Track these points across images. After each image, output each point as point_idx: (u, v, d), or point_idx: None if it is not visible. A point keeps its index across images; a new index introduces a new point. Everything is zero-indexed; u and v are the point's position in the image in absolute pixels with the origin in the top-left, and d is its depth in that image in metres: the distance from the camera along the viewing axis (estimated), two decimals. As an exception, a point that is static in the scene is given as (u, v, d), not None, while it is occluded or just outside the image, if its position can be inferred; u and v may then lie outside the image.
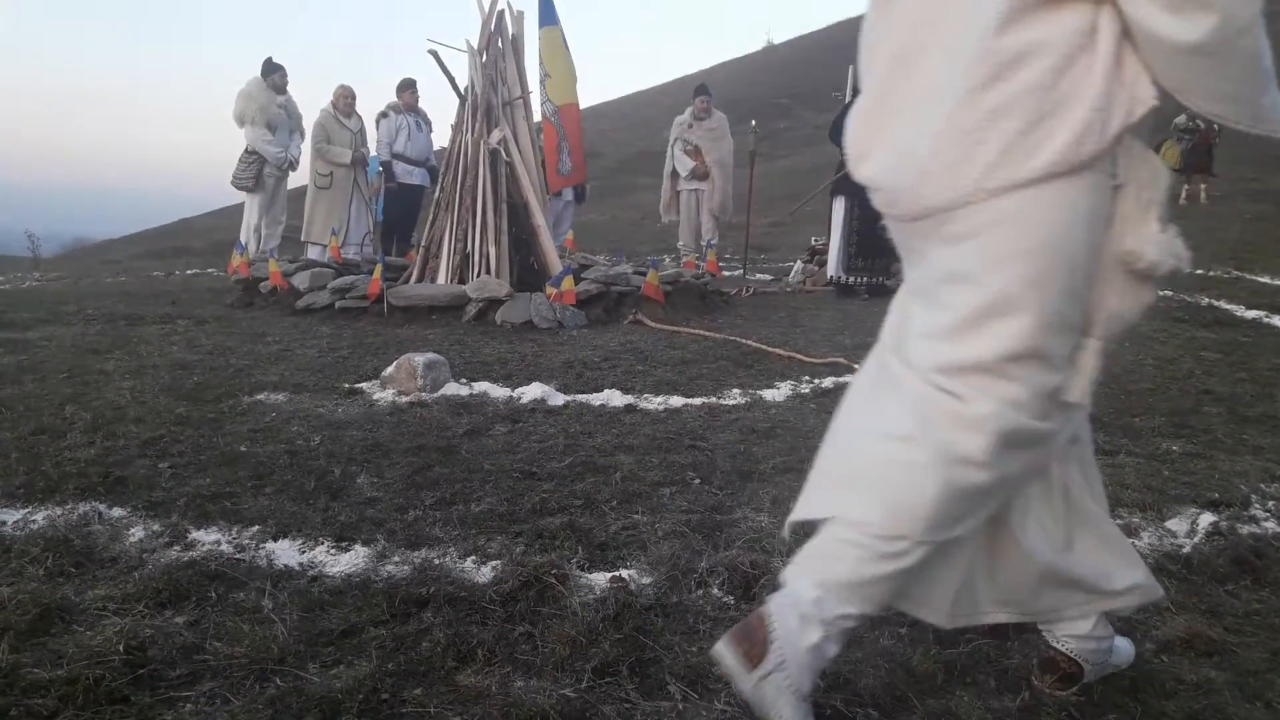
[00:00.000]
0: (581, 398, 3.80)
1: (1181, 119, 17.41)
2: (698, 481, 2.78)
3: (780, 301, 7.10)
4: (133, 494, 2.61)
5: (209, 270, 10.31)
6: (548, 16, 8.33)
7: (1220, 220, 13.09)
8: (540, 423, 3.44)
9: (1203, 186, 16.82)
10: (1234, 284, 7.68)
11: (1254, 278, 8.03)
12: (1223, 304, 6.55)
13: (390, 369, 3.93)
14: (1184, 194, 16.93)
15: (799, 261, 8.79)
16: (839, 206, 7.15)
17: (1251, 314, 6.12)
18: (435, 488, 2.71)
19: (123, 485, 2.68)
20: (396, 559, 2.21)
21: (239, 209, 10.41)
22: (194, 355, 4.54)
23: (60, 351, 4.58)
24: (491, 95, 6.59)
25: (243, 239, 8.67)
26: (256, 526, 2.40)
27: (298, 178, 9.30)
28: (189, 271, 10.30)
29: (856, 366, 4.37)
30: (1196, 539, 2.36)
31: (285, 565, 2.18)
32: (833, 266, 7.20)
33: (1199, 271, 8.48)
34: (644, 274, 6.18)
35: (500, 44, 6.72)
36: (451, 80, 6.72)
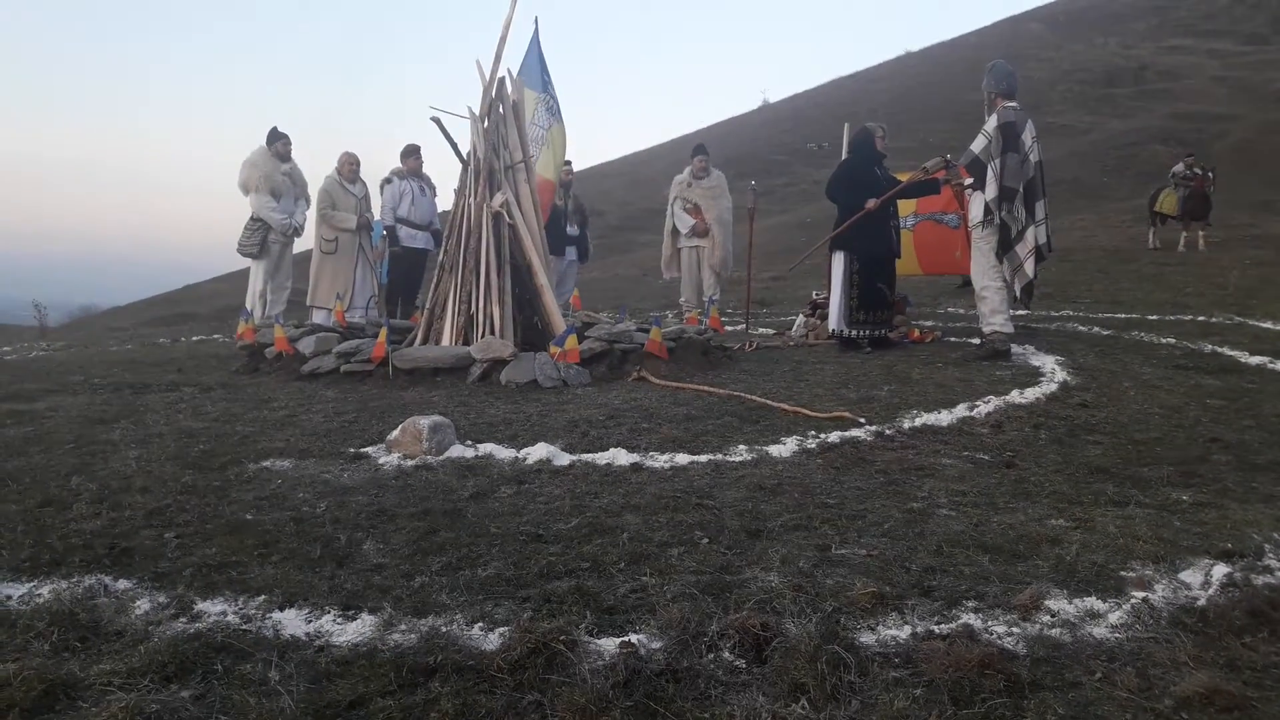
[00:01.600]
0: (587, 457, 3.79)
1: (1180, 167, 17.62)
2: (706, 541, 2.76)
3: (783, 356, 7.11)
4: (139, 565, 2.60)
5: (215, 336, 10.36)
6: (532, 81, 8.54)
7: (1220, 267, 13.16)
8: (546, 484, 3.43)
9: (1201, 234, 16.94)
10: (1237, 330, 7.69)
11: (1256, 323, 8.05)
12: (1226, 350, 6.55)
13: (395, 433, 3.93)
14: (1183, 241, 17.07)
15: (801, 315, 8.81)
16: (838, 261, 7.19)
17: (1255, 360, 6.11)
18: (442, 552, 2.69)
19: (129, 556, 2.67)
20: (404, 627, 2.19)
21: (244, 274, 10.52)
22: (200, 423, 4.55)
23: (67, 422, 4.59)
24: (494, 159, 6.69)
25: (248, 305, 8.74)
26: (263, 596, 2.38)
27: (303, 243, 9.42)
28: (195, 338, 10.35)
29: (862, 420, 4.38)
30: (1211, 591, 2.33)
31: (292, 635, 2.16)
32: (834, 320, 7.21)
33: (1201, 318, 8.52)
34: (647, 331, 6.21)
35: (501, 109, 6.84)
36: (454, 146, 6.83)
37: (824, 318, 7.67)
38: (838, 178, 7.40)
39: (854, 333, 7.13)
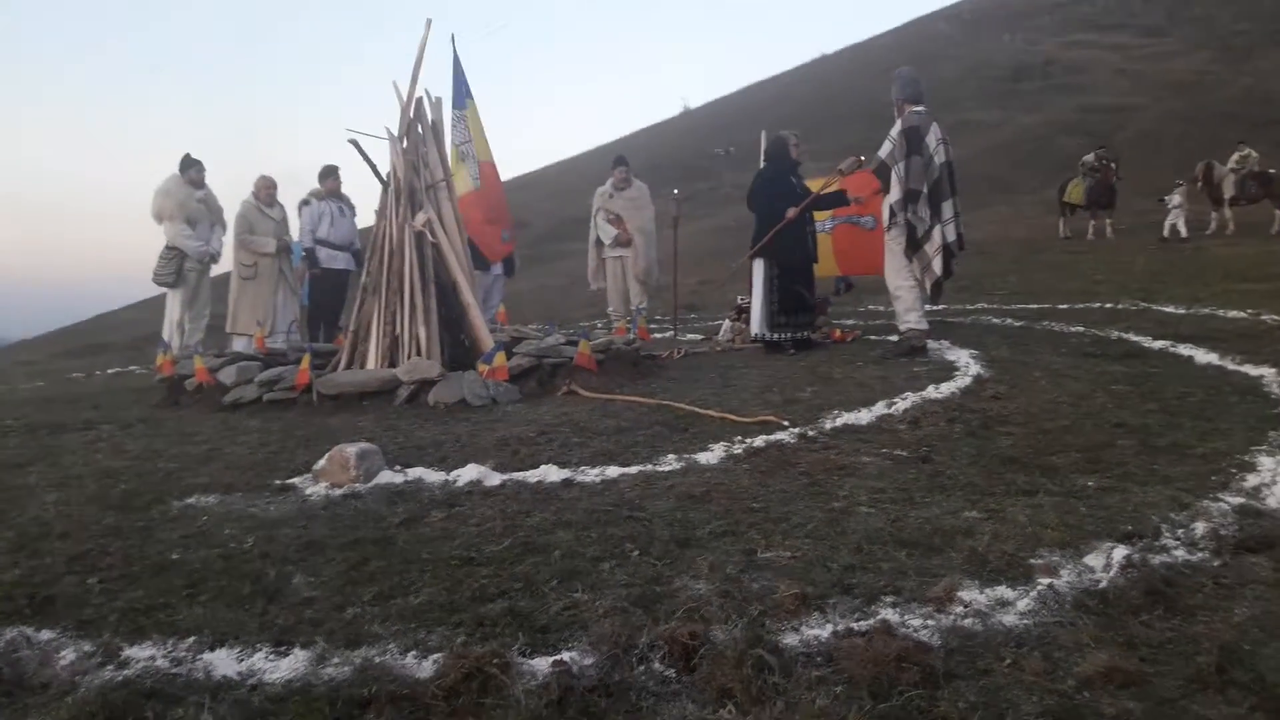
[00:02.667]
0: (518, 476, 3.82)
1: (1090, 157, 18.31)
2: (636, 553, 2.82)
3: (711, 361, 7.22)
4: (62, 614, 2.55)
5: (131, 368, 10.11)
6: (459, 100, 8.61)
7: (1126, 253, 13.73)
8: (477, 505, 3.44)
9: (1108, 222, 17.62)
10: (1141, 315, 8.04)
11: (1159, 308, 8.42)
12: (1131, 336, 6.84)
13: (322, 461, 3.90)
14: (1091, 229, 17.73)
15: (727, 320, 8.95)
16: (759, 268, 7.34)
17: (1158, 344, 6.40)
18: (373, 582, 2.70)
19: (51, 605, 2.61)
20: (337, 660, 2.19)
21: (159, 301, 10.27)
22: (121, 461, 4.45)
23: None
24: (414, 179, 6.66)
25: (165, 336, 8.54)
26: (192, 637, 2.36)
27: (220, 268, 9.24)
28: (110, 371, 10.08)
29: (786, 423, 4.49)
30: (1112, 573, 2.47)
31: (224, 676, 2.15)
32: (756, 325, 7.36)
33: (1109, 305, 8.88)
34: (576, 344, 6.25)
35: (420, 130, 6.82)
36: (373, 167, 6.78)
37: (749, 322, 7.80)
38: (756, 188, 7.56)
39: (776, 336, 7.27)
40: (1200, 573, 2.48)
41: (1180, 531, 2.78)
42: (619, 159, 9.96)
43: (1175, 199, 16.31)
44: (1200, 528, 2.78)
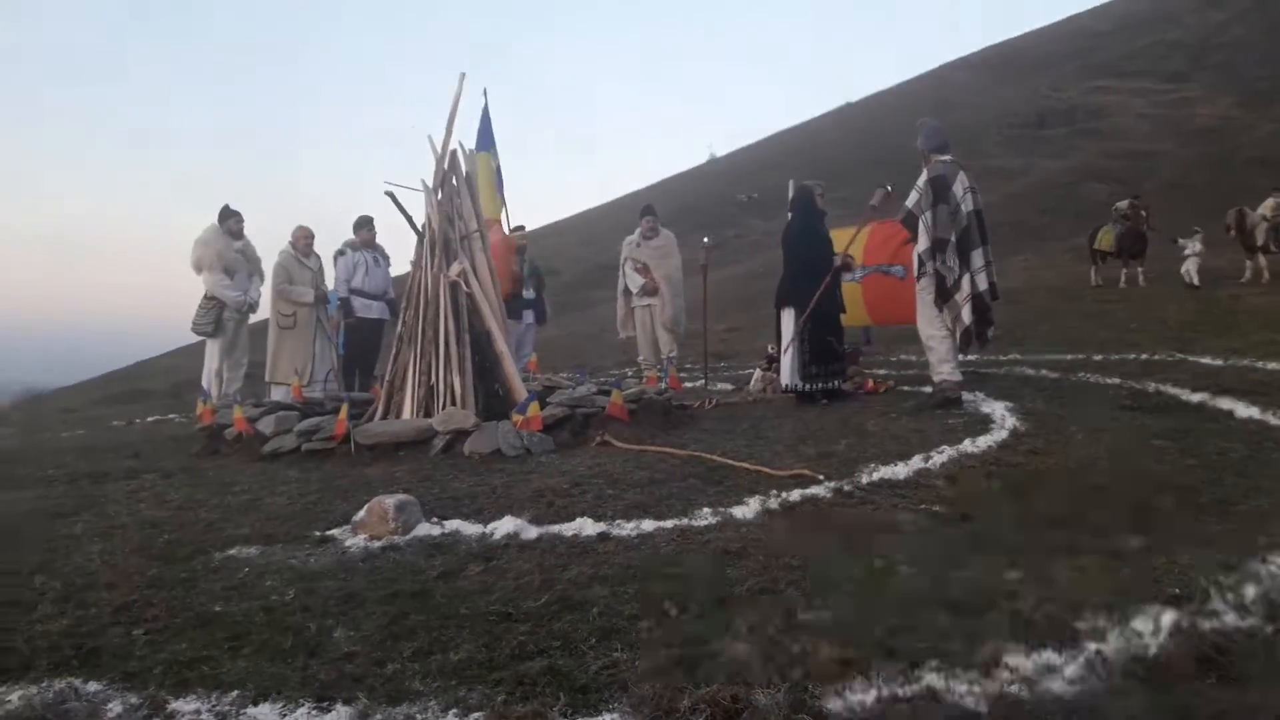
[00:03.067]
0: (554, 528, 3.82)
1: (1123, 204, 18.24)
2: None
3: (743, 412, 7.22)
4: (108, 665, 2.59)
5: (170, 416, 10.25)
6: (484, 143, 8.81)
7: (1159, 302, 13.60)
8: (514, 559, 3.45)
9: (1140, 270, 17.48)
10: (1178, 367, 7.94)
11: (1196, 359, 8.31)
12: (1169, 388, 6.75)
13: (361, 513, 3.94)
14: (1123, 278, 17.60)
15: (758, 369, 8.95)
16: (788, 317, 7.35)
17: (1197, 397, 6.30)
18: (413, 637, 2.71)
19: (97, 656, 2.65)
20: (379, 717, 2.21)
21: (196, 348, 10.43)
22: (163, 512, 4.51)
23: (23, 517, 4.53)
24: (449, 230, 6.78)
25: (205, 384, 8.67)
26: (236, 691, 2.38)
27: (257, 316, 9.39)
28: (150, 419, 10.23)
29: (820, 477, 4.47)
30: (1161, 638, 2.43)
31: (268, 733, 2.16)
32: (788, 376, 7.34)
33: (1144, 356, 8.79)
34: (608, 394, 6.28)
35: (455, 181, 6.95)
36: (409, 218, 6.91)
37: (779, 371, 7.80)
38: (791, 239, 7.61)
39: (807, 386, 7.26)
40: (1253, 639, 2.43)
41: (1230, 595, 2.73)
42: (647, 208, 10.08)
43: (1193, 245, 16.22)
44: (1250, 591, 2.73)
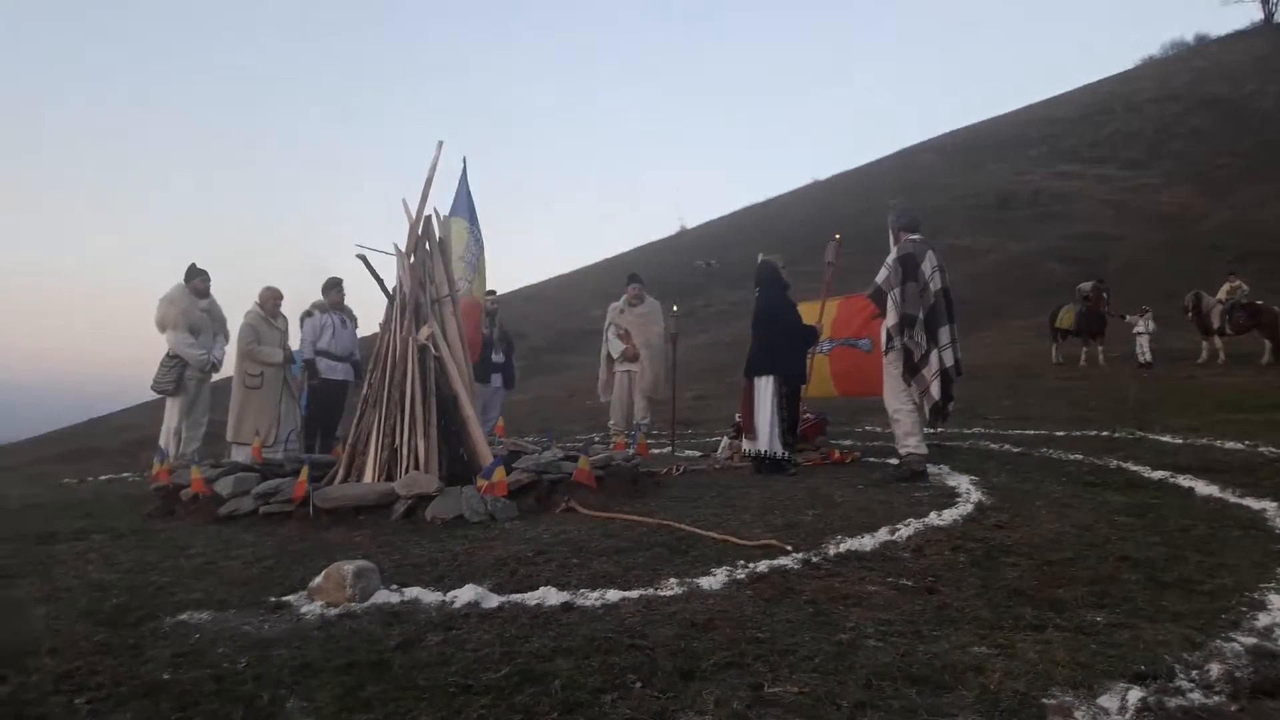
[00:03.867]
0: (516, 597, 3.75)
1: (1086, 285, 18.71)
2: (639, 685, 2.75)
3: (710, 479, 7.19)
4: (46, 738, 2.47)
5: (124, 475, 10.01)
6: (459, 209, 8.85)
7: (1118, 381, 13.85)
8: (475, 628, 3.37)
9: (1100, 349, 17.85)
10: (1138, 444, 8.06)
11: (1156, 437, 8.45)
12: (1130, 465, 6.84)
13: (319, 579, 3.84)
14: (1083, 356, 17.95)
15: (725, 438, 8.96)
16: (768, 384, 7.37)
17: (1158, 474, 6.39)
18: (368, 709, 2.62)
19: (35, 728, 2.54)
20: (331, 794, 2.12)
21: (152, 405, 10.27)
22: (112, 574, 4.37)
23: (-35, 577, 4.37)
24: (420, 294, 6.77)
25: (162, 443, 8.51)
26: (180, 767, 2.28)
27: (218, 376, 9.27)
28: (103, 477, 9.98)
29: (788, 548, 4.44)
30: (1128, 716, 2.41)
31: (212, 811, 2.07)
32: (765, 443, 7.33)
33: (1105, 433, 8.91)
34: (575, 459, 6.23)
35: (428, 246, 6.97)
36: (380, 281, 6.90)
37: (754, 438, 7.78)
38: (761, 310, 7.68)
39: (785, 454, 7.28)
40: (1218, 717, 2.42)
41: (1195, 673, 2.72)
42: (633, 276, 10.27)
43: (1143, 323, 16.69)
44: (1215, 669, 2.73)
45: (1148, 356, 16.45)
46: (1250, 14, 71.98)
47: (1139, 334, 16.83)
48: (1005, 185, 44.20)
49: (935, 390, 6.65)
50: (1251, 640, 3.00)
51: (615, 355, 9.92)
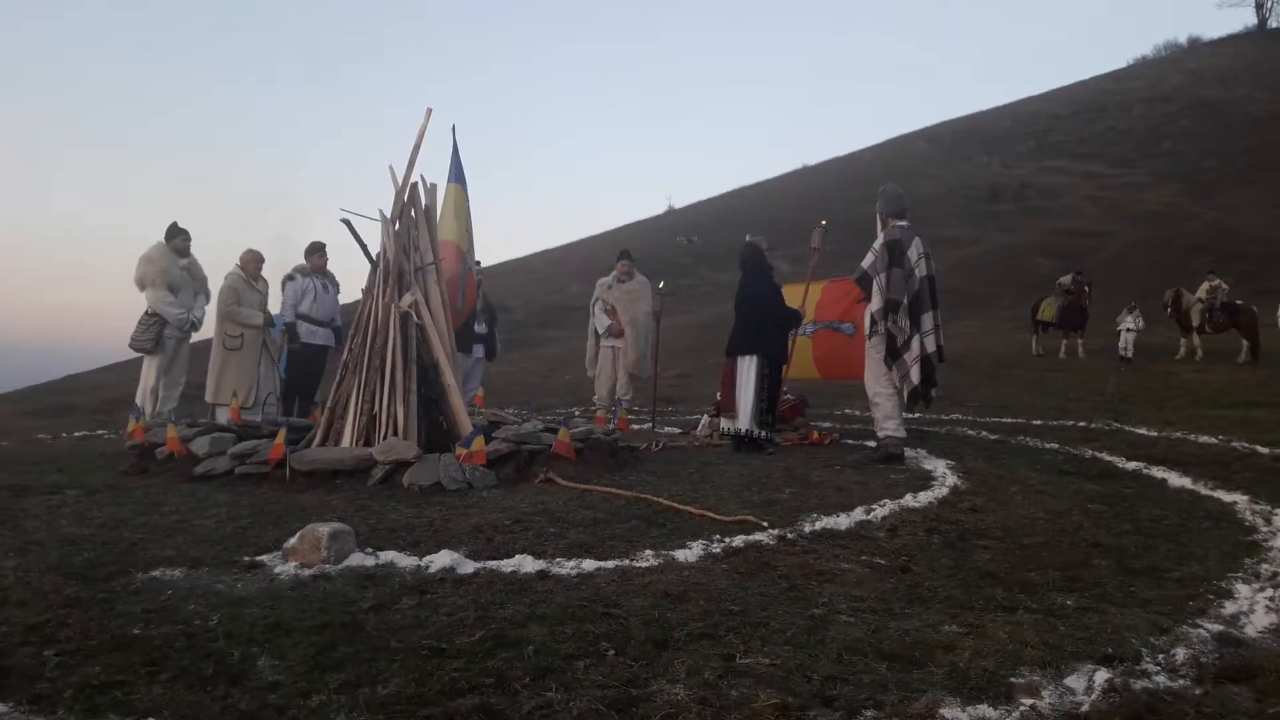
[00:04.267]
0: (492, 564, 3.75)
1: (1065, 279, 18.83)
2: (612, 653, 2.76)
3: (689, 456, 7.21)
4: (15, 687, 2.45)
5: (99, 432, 9.93)
6: (456, 175, 8.71)
7: (1097, 373, 13.95)
8: (449, 593, 3.37)
9: (1080, 342, 17.98)
10: (1114, 435, 8.13)
11: (1132, 429, 8.53)
12: (1105, 456, 6.91)
13: (294, 540, 3.82)
14: (1063, 348, 18.08)
15: (705, 415, 8.97)
16: (750, 364, 7.36)
17: (1132, 465, 6.46)
18: (340, 669, 2.62)
19: (4, 677, 2.51)
20: (300, 750, 2.11)
21: (130, 364, 10.17)
22: (84, 529, 4.33)
23: (-65, 527, 4.32)
24: (404, 261, 6.72)
25: (139, 401, 8.43)
26: (150, 718, 2.27)
27: (198, 336, 9.18)
28: (78, 434, 9.89)
29: (765, 524, 4.46)
30: (1094, 696, 2.44)
31: (179, 762, 2.06)
32: (745, 420, 7.33)
33: (1081, 424, 8.98)
34: (555, 432, 6.22)
35: (413, 213, 6.91)
36: (364, 247, 6.83)
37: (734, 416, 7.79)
38: (744, 291, 7.66)
39: (764, 433, 7.30)
40: (1183, 700, 2.45)
41: (1161, 657, 2.76)
42: (624, 253, 10.26)
43: (1131, 320, 16.84)
44: (1181, 654, 2.77)
45: (1129, 352, 16.59)
46: (1244, 18, 72.13)
47: (1127, 330, 16.96)
48: (994, 178, 44.33)
49: (915, 375, 6.68)
50: (1218, 627, 3.05)
51: (601, 331, 9.94)
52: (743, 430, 7.37)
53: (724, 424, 7.73)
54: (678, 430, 9.14)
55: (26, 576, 3.48)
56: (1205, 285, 17.64)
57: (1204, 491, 5.52)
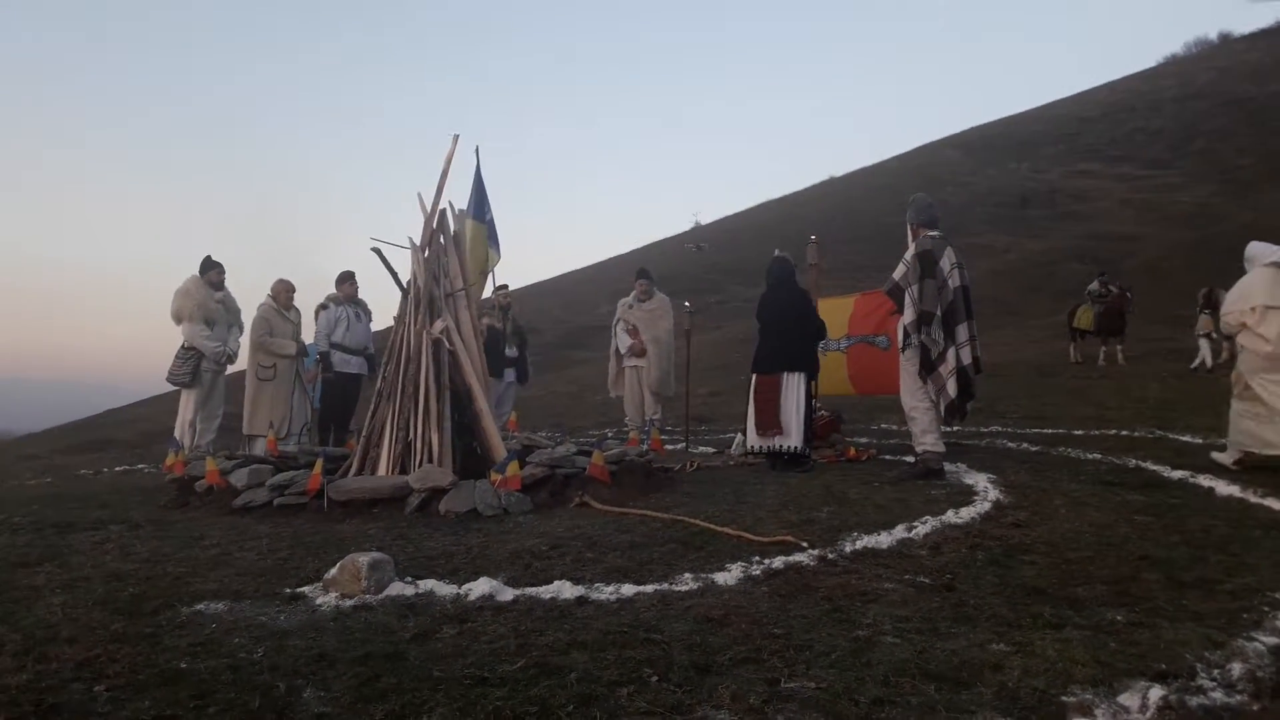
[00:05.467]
0: (531, 591, 3.74)
1: (1094, 285, 18.56)
2: (655, 679, 2.74)
3: (724, 475, 7.17)
4: (65, 723, 2.48)
5: (139, 466, 10.07)
6: (476, 212, 8.73)
7: (1138, 380, 13.73)
8: (489, 621, 3.37)
9: (1119, 348, 17.70)
10: (1158, 444, 7.98)
11: (1176, 436, 8.37)
12: (1150, 465, 6.77)
13: (334, 571, 3.84)
14: (1102, 355, 17.82)
15: (739, 434, 8.93)
16: (798, 383, 7.29)
17: (1178, 474, 6.32)
18: (384, 700, 2.62)
19: (57, 713, 2.54)
20: (346, 784, 2.11)
21: (167, 398, 10.32)
22: (129, 564, 4.39)
23: (-16, 565, 4.39)
24: (434, 288, 6.78)
25: (177, 434, 8.55)
26: (197, 755, 2.28)
27: (232, 368, 9.31)
28: (118, 468, 10.04)
29: (804, 544, 4.41)
30: (1149, 714, 2.39)
31: (228, 799, 2.07)
32: (797, 438, 7.25)
33: (1124, 433, 8.83)
34: (589, 455, 6.22)
35: (442, 240, 6.97)
36: (394, 275, 6.90)
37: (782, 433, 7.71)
38: (798, 310, 7.61)
39: (808, 451, 7.26)
40: (1241, 716, 2.40)
41: (1216, 672, 2.69)
42: (642, 271, 10.24)
43: (1204, 324, 16.24)
44: (1236, 668, 2.70)
45: (1208, 362, 16.06)
46: (1276, 12, 71.22)
47: (1201, 335, 16.37)
48: (1025, 184, 43.95)
49: (951, 388, 6.59)
50: (1273, 640, 2.97)
51: (623, 350, 9.96)
52: (795, 448, 7.27)
53: (758, 441, 7.64)
54: (711, 449, 9.10)
55: (74, 612, 3.53)
56: (1240, 286, 17.29)
57: (1253, 500, 5.40)
